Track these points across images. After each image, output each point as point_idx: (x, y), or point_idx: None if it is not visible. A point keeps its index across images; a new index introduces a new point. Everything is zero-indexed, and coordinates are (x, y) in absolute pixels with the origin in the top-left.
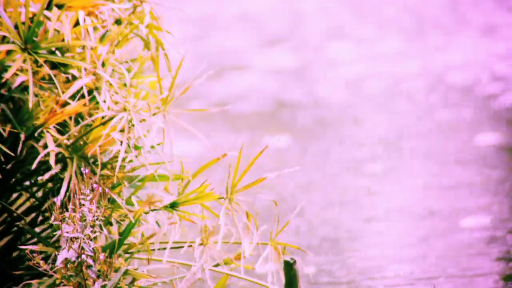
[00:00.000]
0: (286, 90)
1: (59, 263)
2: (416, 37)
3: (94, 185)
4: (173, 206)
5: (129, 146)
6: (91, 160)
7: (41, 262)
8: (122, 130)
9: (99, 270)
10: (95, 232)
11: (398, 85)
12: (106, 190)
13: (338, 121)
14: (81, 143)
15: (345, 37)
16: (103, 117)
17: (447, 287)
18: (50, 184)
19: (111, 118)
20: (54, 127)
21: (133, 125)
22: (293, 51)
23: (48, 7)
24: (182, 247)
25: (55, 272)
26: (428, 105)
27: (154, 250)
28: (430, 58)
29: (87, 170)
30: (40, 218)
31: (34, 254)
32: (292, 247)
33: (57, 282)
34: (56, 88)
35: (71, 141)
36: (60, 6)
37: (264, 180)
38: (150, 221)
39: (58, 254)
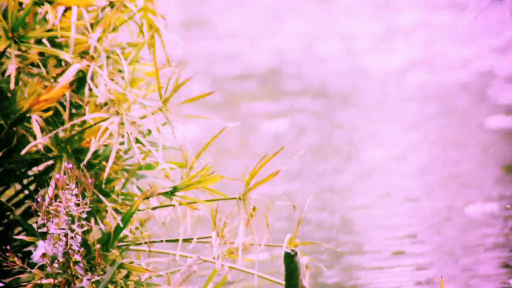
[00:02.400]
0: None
1: (37, 259)
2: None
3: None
4: (173, 192)
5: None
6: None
7: (16, 260)
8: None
9: (90, 263)
10: (82, 226)
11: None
12: (90, 181)
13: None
14: (76, 138)
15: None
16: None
17: (446, 276)
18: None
19: (103, 120)
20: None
21: (130, 123)
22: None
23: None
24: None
25: (41, 268)
26: (440, 88)
27: (152, 242)
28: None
29: (70, 165)
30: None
31: (7, 253)
32: (309, 243)
33: (37, 278)
34: (47, 73)
35: (64, 135)
36: (51, 2)
37: (277, 174)
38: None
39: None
